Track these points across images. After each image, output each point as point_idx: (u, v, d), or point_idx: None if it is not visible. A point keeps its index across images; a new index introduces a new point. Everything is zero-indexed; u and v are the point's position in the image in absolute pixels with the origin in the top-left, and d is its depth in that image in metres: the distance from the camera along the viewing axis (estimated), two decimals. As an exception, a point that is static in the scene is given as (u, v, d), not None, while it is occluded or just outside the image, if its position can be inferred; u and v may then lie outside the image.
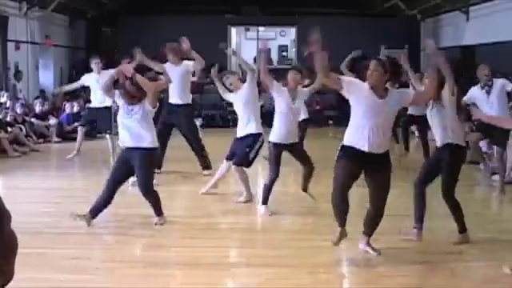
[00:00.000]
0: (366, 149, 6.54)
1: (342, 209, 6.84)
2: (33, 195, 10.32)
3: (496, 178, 11.64)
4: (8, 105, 16.39)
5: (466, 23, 19.91)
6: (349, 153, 6.67)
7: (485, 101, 10.48)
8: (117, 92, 8.26)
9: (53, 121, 17.16)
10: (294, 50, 27.36)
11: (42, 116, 17.22)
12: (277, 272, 6.55)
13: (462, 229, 7.52)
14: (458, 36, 20.83)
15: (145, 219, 8.56)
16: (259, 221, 8.92)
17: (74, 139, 16.12)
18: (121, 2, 24.17)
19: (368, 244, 7.03)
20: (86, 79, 13.08)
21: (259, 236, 8.21)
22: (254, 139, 9.48)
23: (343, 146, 6.73)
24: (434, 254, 7.22)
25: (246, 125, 9.56)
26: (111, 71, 11.17)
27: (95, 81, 12.64)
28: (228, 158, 9.89)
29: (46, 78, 21.47)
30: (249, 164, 9.50)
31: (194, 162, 11.94)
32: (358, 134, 6.58)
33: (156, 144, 8.19)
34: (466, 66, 21.49)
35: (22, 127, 15.79)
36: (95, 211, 8.08)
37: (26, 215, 8.67)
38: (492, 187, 11.44)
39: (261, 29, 27.84)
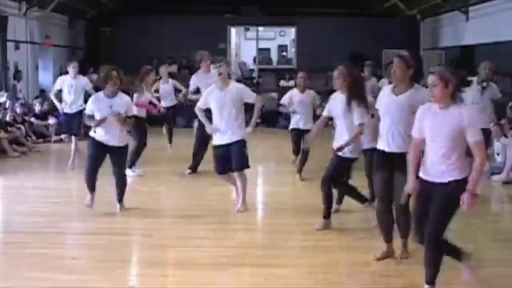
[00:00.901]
0: (386, 149, 6.55)
1: (385, 224, 6.88)
2: (33, 195, 10.30)
3: (495, 177, 11.67)
4: (7, 105, 16.37)
5: (465, 23, 19.90)
6: (376, 159, 6.76)
7: (475, 96, 10.22)
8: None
9: (52, 121, 17.14)
10: (293, 49, 27.36)
11: (42, 116, 17.20)
12: (276, 272, 6.55)
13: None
14: (458, 36, 20.83)
15: (142, 219, 8.58)
16: (258, 221, 8.92)
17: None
18: (120, 1, 24.16)
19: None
20: (60, 83, 12.94)
21: (258, 236, 8.20)
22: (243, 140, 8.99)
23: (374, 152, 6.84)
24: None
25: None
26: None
27: (68, 85, 12.61)
28: (221, 172, 9.18)
29: (46, 77, 21.44)
30: (248, 164, 9.13)
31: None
32: (381, 135, 6.64)
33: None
34: (466, 65, 21.57)
35: (22, 127, 15.78)
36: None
37: (26, 215, 8.69)
38: (490, 187, 11.46)
39: (260, 29, 27.85)
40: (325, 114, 8.09)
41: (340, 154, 7.83)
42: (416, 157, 5.82)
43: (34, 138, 16.23)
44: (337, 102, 7.87)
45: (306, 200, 9.61)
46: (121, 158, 8.96)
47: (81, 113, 11.83)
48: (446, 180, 5.58)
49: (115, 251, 7.27)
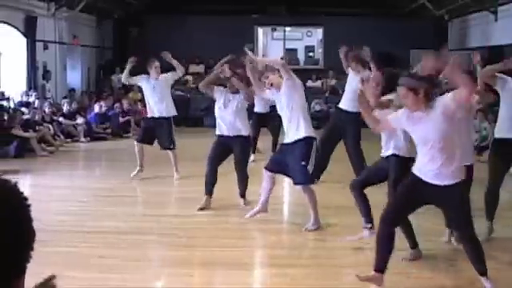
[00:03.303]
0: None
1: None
2: (60, 194, 10.39)
3: None
4: (36, 104, 16.53)
5: (494, 23, 19.76)
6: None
7: None
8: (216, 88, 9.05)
9: (80, 120, 17.28)
10: (320, 50, 27.32)
11: (70, 115, 17.33)
12: (300, 272, 6.55)
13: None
14: (487, 36, 20.68)
15: (170, 219, 8.62)
16: (283, 223, 8.92)
17: (102, 139, 16.28)
18: (147, 1, 24.28)
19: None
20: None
21: (283, 237, 8.20)
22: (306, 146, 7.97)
23: None
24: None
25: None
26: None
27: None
28: (268, 169, 8.30)
29: (74, 77, 21.62)
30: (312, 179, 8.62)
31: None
32: None
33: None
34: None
35: (50, 126, 15.92)
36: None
37: (54, 214, 8.76)
38: None
39: (287, 29, 27.83)
40: None
41: None
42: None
43: (62, 137, 16.36)
44: None
45: (329, 200, 9.58)
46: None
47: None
48: (453, 182, 5.54)
49: (142, 250, 7.31)
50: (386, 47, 23.36)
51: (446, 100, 5.41)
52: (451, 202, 5.64)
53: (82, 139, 16.85)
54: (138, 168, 11.28)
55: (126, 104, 19.24)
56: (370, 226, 7.32)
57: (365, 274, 6.23)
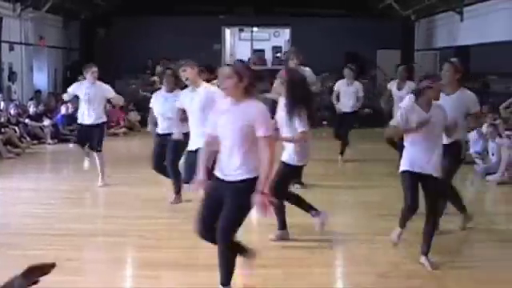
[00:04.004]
0: None
1: None
2: (27, 197, 10.30)
3: (490, 178, 11.71)
4: (2, 106, 16.36)
5: (460, 23, 19.93)
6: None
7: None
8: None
9: (47, 122, 17.13)
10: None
11: (36, 117, 17.18)
12: (269, 272, 6.54)
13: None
14: (453, 36, 20.86)
15: (137, 220, 8.58)
16: (254, 221, 8.91)
17: (69, 141, 16.14)
18: (115, 2, 24.13)
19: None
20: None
21: (252, 237, 8.18)
22: None
23: None
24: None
25: None
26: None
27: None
28: None
29: (40, 79, 21.43)
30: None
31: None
32: None
33: None
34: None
35: (16, 129, 15.77)
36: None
37: (20, 217, 8.68)
38: (485, 187, 11.52)
39: (255, 29, 27.85)
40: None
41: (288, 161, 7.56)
42: (207, 153, 5.68)
43: (28, 139, 16.22)
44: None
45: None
46: None
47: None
48: (239, 178, 5.40)
49: (110, 252, 7.27)
50: (354, 47, 23.52)
51: None
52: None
53: (49, 141, 16.72)
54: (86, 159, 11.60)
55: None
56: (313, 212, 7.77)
57: (332, 273, 6.28)
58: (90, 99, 10.98)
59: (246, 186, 5.28)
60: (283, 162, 7.48)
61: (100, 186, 10.95)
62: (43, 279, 6.04)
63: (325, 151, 14.02)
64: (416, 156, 6.63)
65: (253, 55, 27.60)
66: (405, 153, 6.78)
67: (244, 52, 28.31)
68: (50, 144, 16.56)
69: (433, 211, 6.65)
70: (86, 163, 11.76)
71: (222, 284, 5.64)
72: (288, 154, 7.45)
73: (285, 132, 7.37)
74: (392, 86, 12.92)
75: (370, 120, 17.26)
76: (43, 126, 17.06)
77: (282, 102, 7.47)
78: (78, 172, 12.32)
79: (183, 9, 23.99)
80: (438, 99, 6.76)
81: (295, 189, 10.54)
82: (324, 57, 19.69)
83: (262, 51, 28.65)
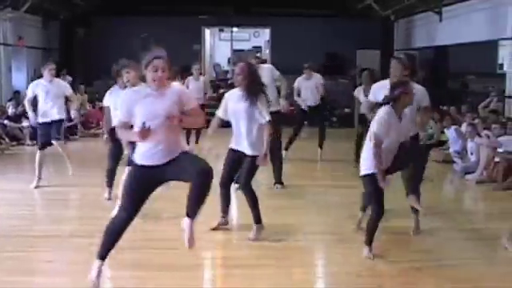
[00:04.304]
0: None
1: None
2: (6, 198, 10.22)
3: (469, 177, 11.79)
4: (-20, 107, 16.28)
5: (438, 24, 20.02)
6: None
7: None
8: None
9: (26, 123, 17.03)
10: (267, 51, 27.39)
11: (15, 118, 17.09)
12: (249, 273, 6.56)
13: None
14: (432, 36, 20.95)
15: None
16: (234, 222, 8.91)
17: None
18: (94, 2, 24.02)
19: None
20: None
21: (234, 236, 8.20)
22: None
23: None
24: (404, 253, 7.29)
25: None
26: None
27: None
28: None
29: (19, 79, 21.29)
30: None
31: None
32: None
33: None
34: (440, 66, 21.73)
35: (-5, 129, 15.69)
36: None
37: (0, 218, 8.63)
38: (464, 186, 11.60)
39: (234, 30, 27.82)
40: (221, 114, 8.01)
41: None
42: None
43: (7, 140, 16.13)
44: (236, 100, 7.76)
45: (279, 198, 9.62)
46: None
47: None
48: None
49: (90, 253, 7.24)
50: (334, 48, 23.61)
51: None
52: None
53: (28, 142, 16.62)
54: (36, 179, 11.01)
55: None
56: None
57: (313, 274, 6.30)
58: (49, 97, 10.91)
59: None
60: (253, 156, 7.68)
61: (71, 174, 11.08)
62: (23, 281, 6.05)
63: (306, 151, 14.09)
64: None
65: (233, 55, 27.59)
66: (368, 154, 6.83)
67: (224, 52, 28.30)
68: (28, 145, 16.46)
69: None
70: (35, 183, 11.02)
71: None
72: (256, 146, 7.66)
73: (244, 124, 7.60)
74: (359, 92, 13.03)
75: (349, 120, 17.31)
76: (22, 127, 16.95)
77: (237, 95, 7.71)
78: (57, 173, 12.25)
79: (163, 9, 23.92)
80: (412, 103, 6.96)
81: (275, 189, 10.60)
82: (304, 57, 19.68)
83: (242, 51, 28.63)
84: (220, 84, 25.03)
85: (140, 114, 5.55)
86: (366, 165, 6.87)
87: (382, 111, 6.79)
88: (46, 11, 22.34)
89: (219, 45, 29.34)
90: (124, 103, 5.71)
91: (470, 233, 8.19)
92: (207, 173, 5.58)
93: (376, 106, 7.04)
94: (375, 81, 12.86)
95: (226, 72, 27.55)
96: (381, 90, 7.56)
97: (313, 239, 7.87)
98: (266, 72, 10.36)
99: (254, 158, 7.65)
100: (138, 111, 5.57)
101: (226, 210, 8.14)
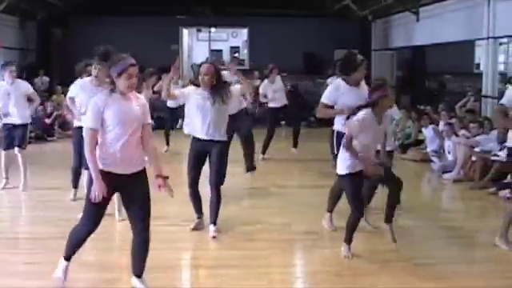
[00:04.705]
0: None
1: None
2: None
3: (447, 176, 11.86)
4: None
5: (416, 24, 20.11)
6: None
7: None
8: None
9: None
10: (245, 51, 27.43)
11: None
12: (228, 273, 6.56)
13: None
14: (409, 36, 21.05)
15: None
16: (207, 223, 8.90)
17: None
18: (72, 3, 23.89)
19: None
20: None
21: (210, 238, 8.19)
22: None
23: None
24: (382, 252, 7.32)
25: None
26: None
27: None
28: None
29: (-4, 80, 21.16)
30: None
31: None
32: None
33: None
34: (417, 65, 21.85)
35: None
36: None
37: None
38: (442, 184, 11.67)
39: (212, 30, 27.79)
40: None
41: None
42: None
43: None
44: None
45: (255, 198, 9.64)
46: None
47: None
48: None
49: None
50: (312, 48, 23.67)
51: None
52: None
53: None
54: (4, 180, 10.95)
55: (49, 107, 18.94)
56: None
57: (292, 274, 6.32)
58: (11, 98, 10.71)
59: None
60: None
61: (22, 190, 10.73)
62: (4, 284, 6.00)
63: (283, 151, 14.13)
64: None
65: (211, 55, 27.56)
66: (344, 155, 6.88)
67: (202, 52, 28.26)
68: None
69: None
70: (3, 185, 10.97)
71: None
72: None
73: (214, 121, 7.80)
74: None
75: (328, 119, 17.30)
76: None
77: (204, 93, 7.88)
78: (36, 174, 12.14)
79: (141, 9, 23.85)
80: (392, 106, 7.05)
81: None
82: (282, 57, 19.72)
83: (220, 51, 28.66)
84: (198, 83, 24.96)
85: (110, 119, 5.55)
86: (342, 165, 6.90)
87: (362, 113, 6.81)
88: (23, 11, 22.19)
89: (197, 45, 29.29)
90: (95, 107, 5.61)
91: (448, 231, 8.24)
92: (145, 232, 5.82)
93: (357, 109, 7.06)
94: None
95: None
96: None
97: (292, 239, 7.88)
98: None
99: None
100: (109, 116, 5.55)
101: (199, 209, 8.22)
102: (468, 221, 9.00)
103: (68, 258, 6.05)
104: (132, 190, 5.73)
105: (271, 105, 14.08)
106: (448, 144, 12.55)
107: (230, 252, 7.32)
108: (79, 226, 5.96)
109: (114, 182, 5.63)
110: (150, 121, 5.80)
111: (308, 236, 7.96)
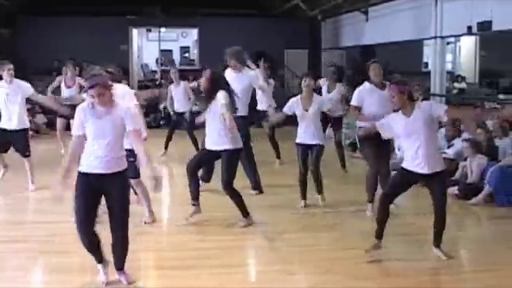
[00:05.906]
0: None
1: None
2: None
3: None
4: None
5: (365, 23, 20.29)
6: None
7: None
8: None
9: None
10: (195, 51, 27.40)
11: None
12: (188, 273, 6.59)
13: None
14: (358, 36, 21.22)
15: (45, 225, 8.43)
16: (164, 224, 8.88)
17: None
18: (20, 2, 23.57)
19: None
20: None
21: (164, 238, 8.17)
22: None
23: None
24: (336, 250, 7.38)
25: None
26: None
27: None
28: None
29: None
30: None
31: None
32: None
33: None
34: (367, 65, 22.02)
35: None
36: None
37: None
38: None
39: (162, 30, 27.68)
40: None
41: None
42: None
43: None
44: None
45: (213, 199, 9.63)
46: None
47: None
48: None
49: (29, 259, 7.12)
50: (262, 47, 23.65)
51: None
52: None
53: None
54: None
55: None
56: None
57: (251, 272, 6.35)
58: (10, 100, 10.22)
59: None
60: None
61: (32, 190, 10.52)
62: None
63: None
64: None
65: (161, 56, 27.47)
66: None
67: (152, 53, 28.14)
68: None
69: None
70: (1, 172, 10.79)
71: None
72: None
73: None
74: (323, 87, 13.01)
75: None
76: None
77: None
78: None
79: (90, 9, 23.62)
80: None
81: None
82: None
83: (170, 51, 28.60)
84: (148, 84, 24.94)
85: (89, 131, 5.83)
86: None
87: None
88: (-31, 11, 21.85)
89: (147, 45, 29.18)
90: (78, 117, 5.86)
91: (399, 228, 8.29)
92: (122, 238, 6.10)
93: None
94: (341, 80, 12.98)
95: (154, 72, 27.44)
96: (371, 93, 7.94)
97: (272, 238, 7.96)
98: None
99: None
100: (88, 128, 5.82)
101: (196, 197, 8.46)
102: (419, 219, 9.04)
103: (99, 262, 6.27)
104: (111, 191, 5.94)
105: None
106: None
107: (189, 252, 7.32)
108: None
109: (92, 182, 5.85)
110: (135, 126, 5.93)
111: (294, 235, 8.02)
